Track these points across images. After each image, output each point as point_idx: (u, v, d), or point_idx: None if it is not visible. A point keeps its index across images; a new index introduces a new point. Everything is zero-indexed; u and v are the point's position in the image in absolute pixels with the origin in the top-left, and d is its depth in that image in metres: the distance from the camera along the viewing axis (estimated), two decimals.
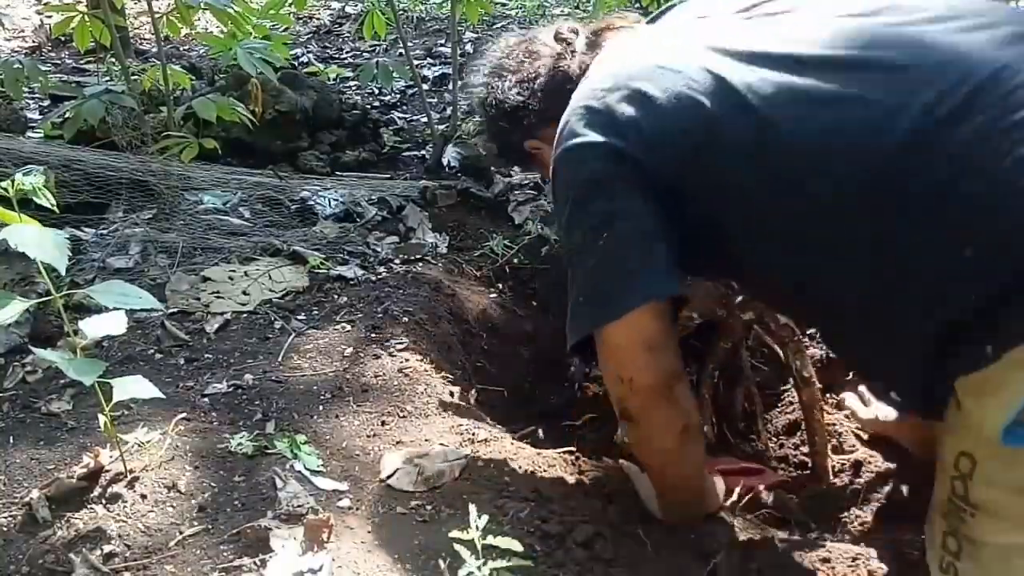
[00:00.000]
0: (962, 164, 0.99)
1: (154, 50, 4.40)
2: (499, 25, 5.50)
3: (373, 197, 2.86)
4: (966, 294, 0.99)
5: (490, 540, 1.24)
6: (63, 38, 4.56)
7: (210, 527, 1.37)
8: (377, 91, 4.35)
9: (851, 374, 1.95)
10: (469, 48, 5.04)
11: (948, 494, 1.11)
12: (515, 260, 2.58)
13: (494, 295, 2.45)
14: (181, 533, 1.35)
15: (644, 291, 1.22)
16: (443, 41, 5.23)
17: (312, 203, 2.81)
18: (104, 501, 1.40)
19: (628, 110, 1.21)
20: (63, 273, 1.31)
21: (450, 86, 3.87)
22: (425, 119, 3.56)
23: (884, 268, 1.06)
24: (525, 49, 1.51)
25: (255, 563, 1.29)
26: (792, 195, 1.11)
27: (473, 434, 1.65)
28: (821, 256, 1.12)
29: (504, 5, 5.96)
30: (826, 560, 1.40)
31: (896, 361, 1.13)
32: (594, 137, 1.23)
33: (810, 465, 1.90)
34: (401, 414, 1.71)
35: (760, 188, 1.14)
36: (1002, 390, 1.00)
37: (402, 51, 3.71)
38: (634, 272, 1.22)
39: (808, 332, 2.28)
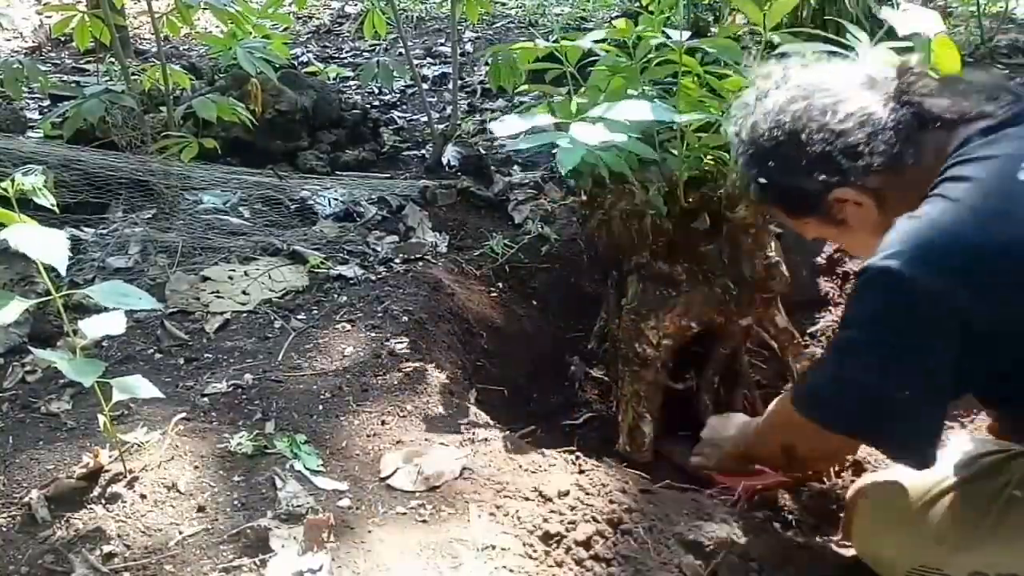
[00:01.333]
0: None
1: (154, 50, 4.39)
2: (499, 24, 5.50)
3: (373, 197, 2.86)
4: None
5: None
6: (63, 38, 4.57)
7: (210, 527, 1.37)
8: (377, 91, 4.35)
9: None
10: (469, 48, 5.04)
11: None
12: (515, 259, 2.58)
13: (494, 295, 2.45)
14: (181, 533, 1.35)
15: (911, 454, 1.17)
16: (443, 41, 5.23)
17: (312, 203, 2.81)
18: (104, 501, 1.40)
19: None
20: (63, 273, 1.31)
21: (450, 86, 3.86)
22: (425, 119, 3.56)
23: None
24: (854, 76, 1.24)
25: (255, 563, 1.29)
26: None
27: (473, 434, 1.65)
28: None
29: (504, 5, 5.96)
30: (826, 560, 1.40)
31: None
32: (957, 288, 1.05)
33: None
34: (401, 414, 1.71)
35: None
36: None
37: (402, 51, 3.71)
38: (917, 433, 1.14)
39: (808, 333, 2.27)
